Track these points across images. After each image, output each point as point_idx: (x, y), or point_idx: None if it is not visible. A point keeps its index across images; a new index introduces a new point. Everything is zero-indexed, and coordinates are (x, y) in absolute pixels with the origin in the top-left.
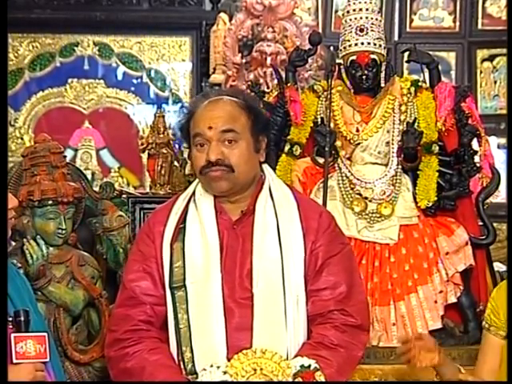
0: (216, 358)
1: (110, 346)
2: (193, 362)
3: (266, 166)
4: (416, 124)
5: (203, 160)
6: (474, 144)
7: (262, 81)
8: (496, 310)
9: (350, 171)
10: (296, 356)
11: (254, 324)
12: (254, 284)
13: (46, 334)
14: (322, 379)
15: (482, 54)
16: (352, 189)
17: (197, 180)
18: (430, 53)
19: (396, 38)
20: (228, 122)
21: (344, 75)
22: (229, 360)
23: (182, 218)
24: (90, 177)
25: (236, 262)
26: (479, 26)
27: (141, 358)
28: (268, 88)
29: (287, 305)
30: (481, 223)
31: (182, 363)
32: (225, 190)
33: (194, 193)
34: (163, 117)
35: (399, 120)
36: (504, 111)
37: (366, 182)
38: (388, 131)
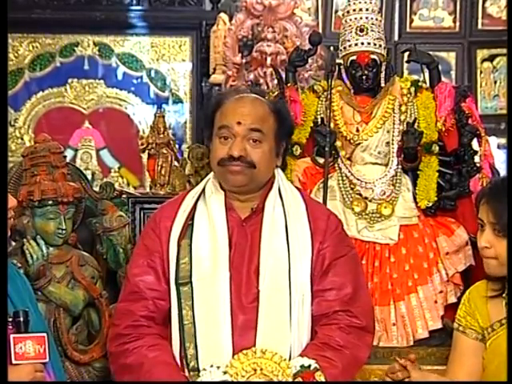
0: (221, 356)
1: (112, 340)
2: (196, 359)
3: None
4: (416, 124)
5: (224, 153)
6: (474, 144)
7: (262, 81)
8: (472, 312)
9: (350, 171)
10: (300, 356)
11: (258, 322)
12: (261, 281)
13: (45, 334)
14: (322, 379)
15: (482, 54)
16: (352, 189)
17: (207, 178)
18: (430, 53)
19: (396, 38)
20: (257, 121)
21: (344, 75)
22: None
23: (191, 216)
24: (90, 177)
25: (244, 259)
26: (479, 26)
27: (140, 355)
28: (268, 88)
29: (292, 304)
30: None
31: (184, 360)
32: (240, 184)
33: (203, 190)
34: (163, 117)
35: (399, 120)
36: (504, 111)
37: (366, 182)
38: (388, 131)
